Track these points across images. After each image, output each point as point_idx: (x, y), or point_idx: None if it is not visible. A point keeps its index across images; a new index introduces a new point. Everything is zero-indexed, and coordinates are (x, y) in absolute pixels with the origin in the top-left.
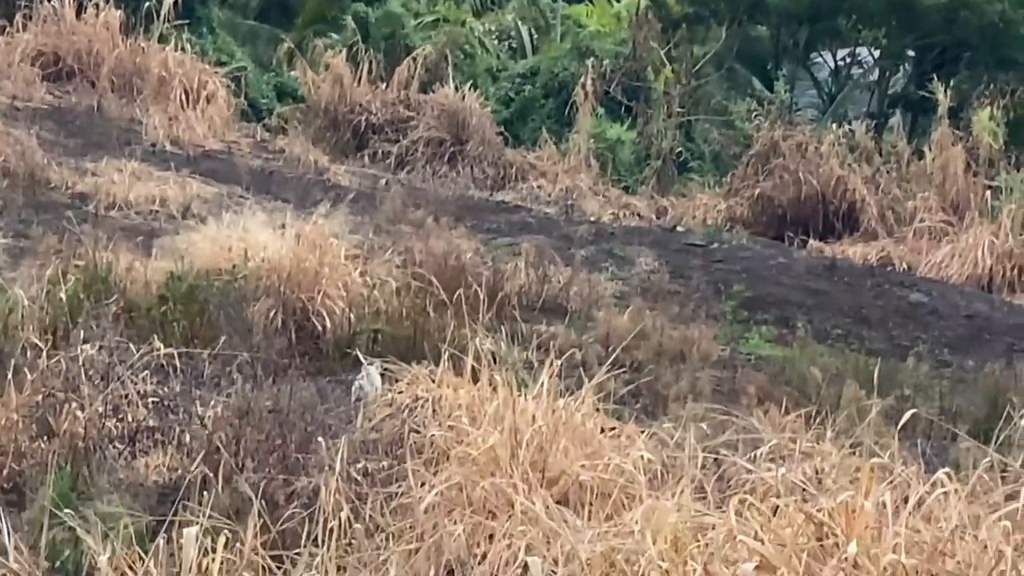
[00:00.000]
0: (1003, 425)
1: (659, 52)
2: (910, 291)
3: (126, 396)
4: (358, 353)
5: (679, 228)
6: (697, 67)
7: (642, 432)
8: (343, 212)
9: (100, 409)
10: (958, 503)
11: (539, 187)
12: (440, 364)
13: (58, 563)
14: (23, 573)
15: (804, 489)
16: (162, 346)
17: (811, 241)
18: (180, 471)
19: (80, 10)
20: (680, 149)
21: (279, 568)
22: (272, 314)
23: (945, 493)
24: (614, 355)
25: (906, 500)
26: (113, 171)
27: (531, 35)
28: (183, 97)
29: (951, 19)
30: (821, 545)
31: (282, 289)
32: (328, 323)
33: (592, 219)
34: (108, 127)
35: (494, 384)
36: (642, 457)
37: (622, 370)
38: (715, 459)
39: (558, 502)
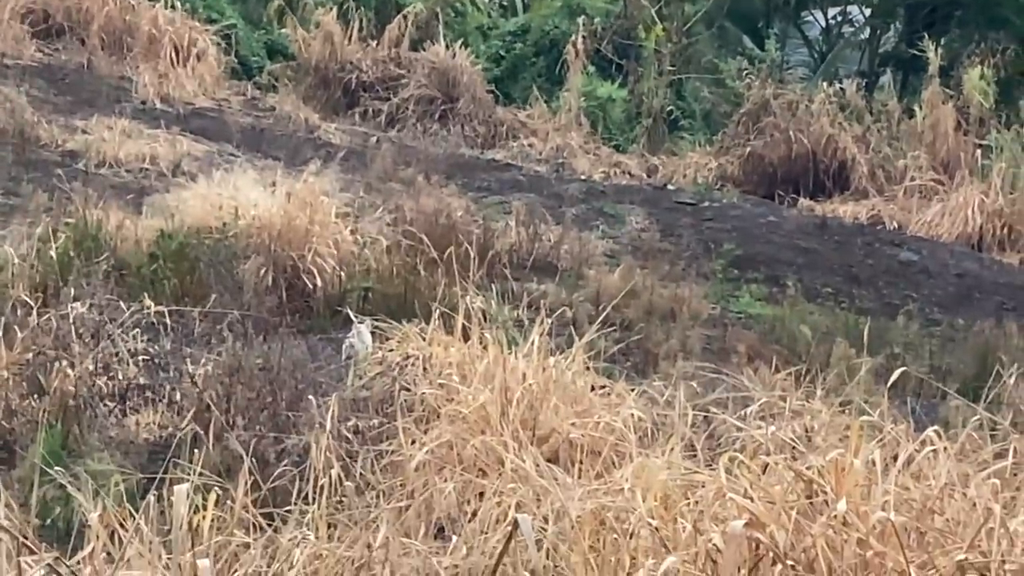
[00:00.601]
0: (992, 383)
1: (650, 10)
2: (900, 250)
3: (116, 354)
4: (349, 311)
5: (670, 186)
6: (688, 25)
7: (632, 390)
8: (334, 170)
9: (91, 367)
10: (947, 461)
11: (530, 145)
12: (431, 322)
13: (49, 520)
14: (14, 531)
15: (794, 447)
16: (152, 304)
17: (801, 200)
18: (171, 429)
19: None
20: (671, 108)
21: (270, 525)
22: (263, 272)
23: (934, 451)
24: (604, 313)
25: (895, 458)
26: (103, 129)
27: None
28: (173, 55)
29: None
30: (810, 503)
31: (273, 247)
32: (319, 281)
33: (583, 177)
34: (98, 85)
35: (485, 343)
36: (632, 415)
37: (612, 328)
38: (705, 417)
39: (548, 460)
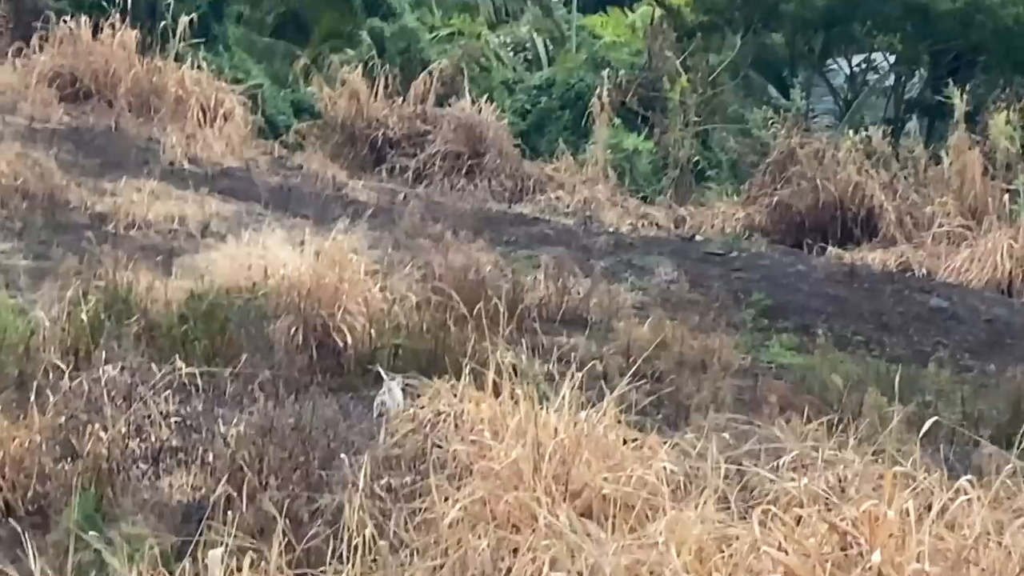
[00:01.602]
0: None
1: (674, 62)
2: (930, 296)
3: (149, 416)
4: (379, 369)
5: (698, 237)
6: (713, 76)
7: (664, 443)
8: (362, 227)
9: (123, 429)
10: (981, 510)
11: (557, 198)
12: (462, 378)
13: None
14: None
15: (827, 498)
16: (184, 365)
17: (830, 248)
18: (204, 490)
19: (96, 30)
20: (697, 158)
21: None
22: (293, 331)
23: (968, 500)
24: (635, 366)
25: (929, 507)
26: (132, 190)
27: (546, 46)
28: (200, 115)
29: (966, 23)
30: (845, 554)
31: (302, 306)
32: (349, 339)
33: (611, 230)
34: (126, 146)
35: (516, 398)
36: (665, 468)
37: (643, 381)
38: (738, 469)
39: (581, 515)
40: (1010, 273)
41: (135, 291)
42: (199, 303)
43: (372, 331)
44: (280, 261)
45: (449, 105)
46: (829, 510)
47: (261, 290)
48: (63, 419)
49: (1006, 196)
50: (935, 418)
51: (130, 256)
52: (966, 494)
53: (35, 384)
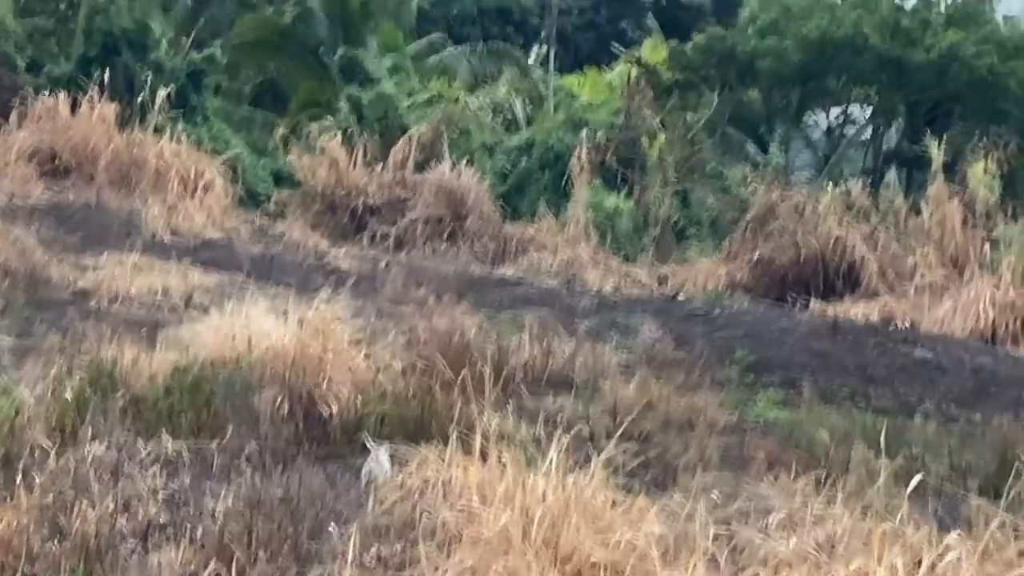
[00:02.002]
0: (1013, 482)
1: (652, 120)
2: (914, 347)
3: (136, 492)
4: (366, 437)
5: (681, 295)
6: (691, 134)
7: (653, 505)
8: (345, 295)
9: (111, 507)
10: (970, 564)
11: (540, 259)
12: (449, 444)
13: None
14: None
15: (817, 557)
16: (170, 439)
17: (813, 302)
18: (193, 566)
19: (75, 106)
20: (678, 216)
21: None
22: (278, 402)
23: (957, 557)
24: (622, 426)
25: (919, 563)
26: (114, 265)
27: (525, 108)
28: (181, 187)
29: (941, 74)
30: None
31: (287, 376)
32: (335, 408)
33: (594, 289)
34: (107, 221)
35: (503, 462)
36: (654, 532)
37: (630, 441)
38: (727, 530)
39: None
40: (993, 322)
41: (120, 365)
42: (184, 376)
43: (358, 399)
44: (264, 331)
45: (429, 170)
46: (819, 569)
47: (245, 361)
48: (50, 498)
49: (987, 245)
50: (921, 476)
51: (114, 330)
52: (955, 550)
53: (21, 464)
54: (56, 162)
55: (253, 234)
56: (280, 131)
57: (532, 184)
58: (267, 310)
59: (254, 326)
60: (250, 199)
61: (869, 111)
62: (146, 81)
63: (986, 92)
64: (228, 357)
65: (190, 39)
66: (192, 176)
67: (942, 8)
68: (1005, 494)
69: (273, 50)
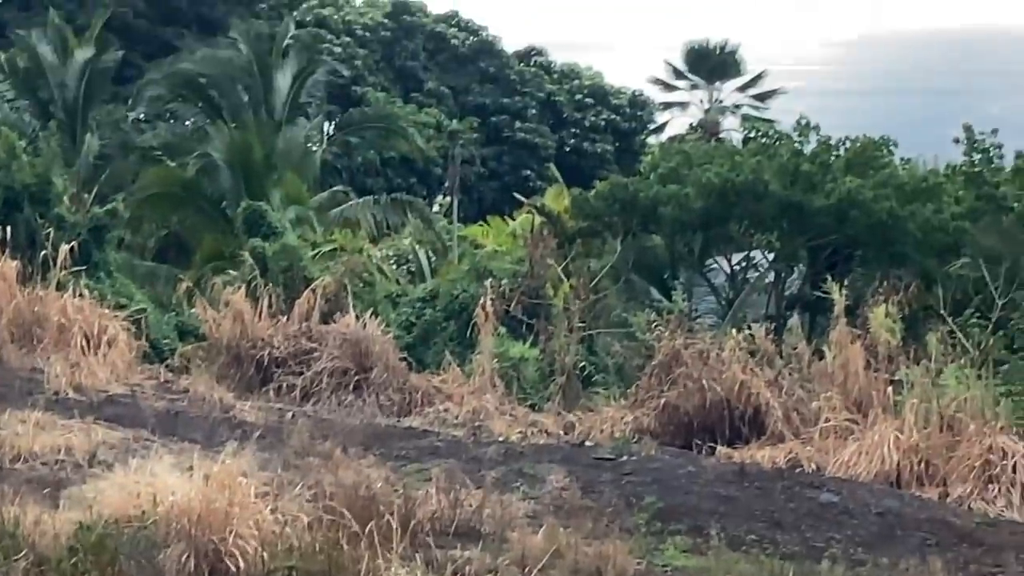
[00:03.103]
0: None
1: (556, 268)
2: (820, 492)
3: None
4: None
5: (587, 443)
6: (595, 281)
7: None
8: (251, 449)
9: None
10: None
11: (446, 410)
12: None
13: None
14: None
15: None
16: None
17: (719, 447)
18: None
19: None
20: (583, 363)
21: None
22: (184, 559)
23: None
24: None
25: None
26: (16, 423)
27: (429, 258)
28: (84, 343)
29: (841, 219)
30: None
31: (193, 532)
32: (241, 563)
33: (500, 439)
34: (9, 378)
35: None
36: None
37: None
38: None
39: None
40: (898, 465)
41: (22, 525)
42: (88, 535)
43: (264, 554)
44: (169, 488)
45: (334, 321)
46: None
47: (151, 518)
48: None
49: (890, 388)
50: None
51: (16, 490)
52: None
53: None
54: None
55: (158, 389)
56: (184, 285)
57: (437, 334)
58: (172, 466)
59: (159, 483)
60: (155, 354)
61: (771, 256)
62: (48, 236)
63: (886, 235)
64: (133, 515)
65: (92, 193)
66: (96, 332)
67: (841, 152)
68: None
69: (176, 203)
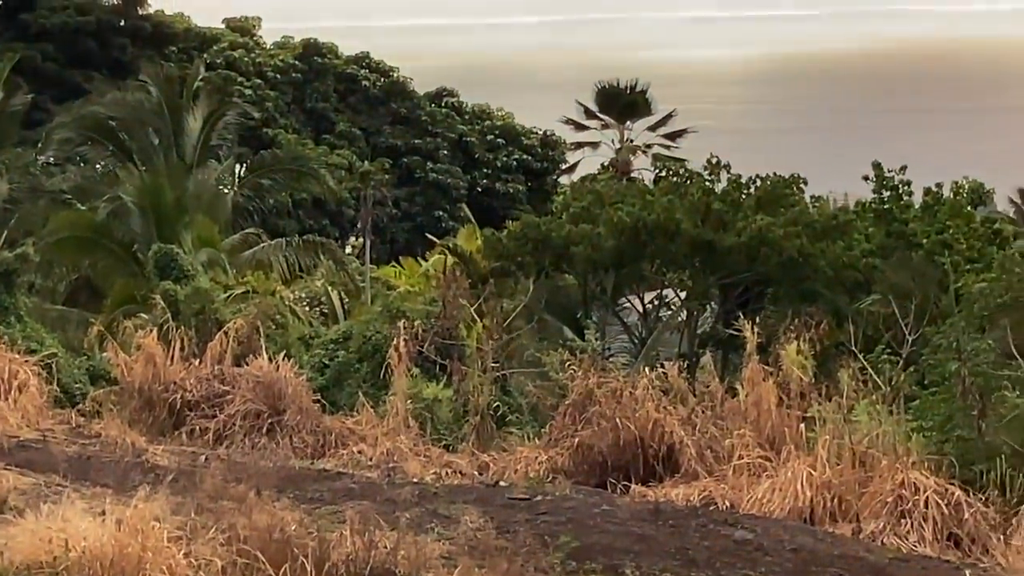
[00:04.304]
0: None
1: (469, 308)
2: (734, 529)
3: None
4: None
5: (502, 483)
6: (508, 321)
7: None
8: (164, 493)
9: None
10: None
11: (360, 452)
12: None
13: None
14: None
15: None
16: None
17: (634, 486)
18: None
19: None
20: (497, 403)
21: None
22: None
23: None
24: None
25: None
26: None
27: (342, 299)
28: None
29: (752, 257)
30: None
31: None
32: None
33: (415, 480)
34: None
35: None
36: None
37: None
38: None
39: None
40: (811, 501)
41: None
42: None
43: None
44: (81, 533)
45: (247, 364)
46: None
47: (63, 564)
48: None
49: (802, 425)
50: None
51: None
52: None
53: None
54: None
55: (69, 434)
56: (95, 328)
57: (350, 376)
58: (84, 511)
59: (71, 528)
60: (66, 398)
61: (683, 294)
62: None
63: (797, 273)
64: (45, 560)
65: (2, 238)
66: (5, 377)
67: (752, 190)
68: None
69: (87, 247)
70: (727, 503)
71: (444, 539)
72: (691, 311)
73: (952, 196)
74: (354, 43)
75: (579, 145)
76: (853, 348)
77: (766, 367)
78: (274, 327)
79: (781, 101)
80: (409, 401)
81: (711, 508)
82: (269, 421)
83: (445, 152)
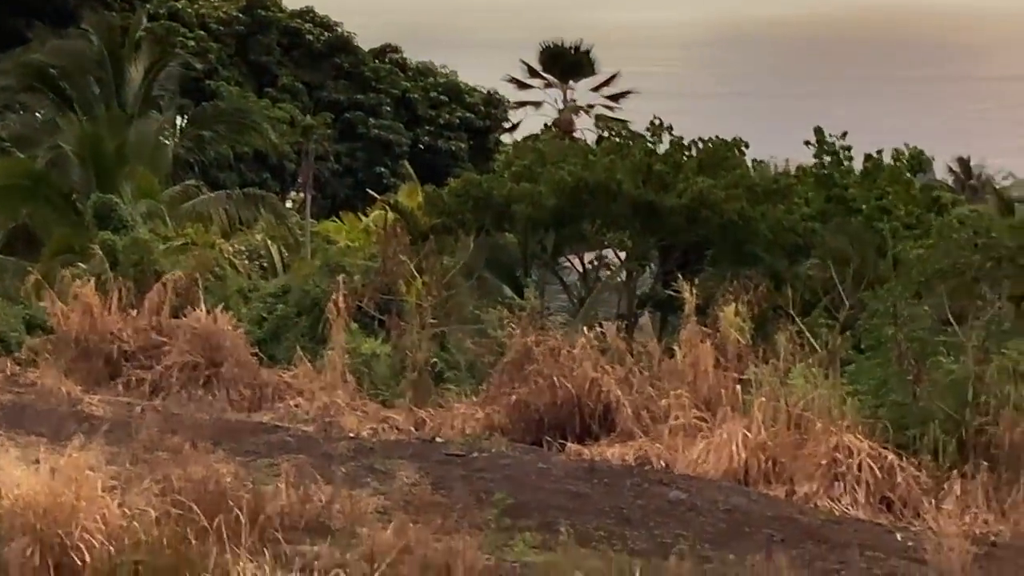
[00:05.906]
0: None
1: (409, 265)
2: (669, 489)
3: None
4: None
5: (438, 439)
6: (447, 277)
7: None
8: (99, 443)
9: None
10: None
11: (296, 405)
12: None
13: None
14: None
15: None
16: None
17: (569, 444)
18: None
19: None
20: (435, 360)
21: None
22: (28, 552)
23: None
24: (379, 572)
25: None
26: None
27: (281, 253)
28: None
29: (692, 219)
30: None
31: (38, 526)
32: (88, 557)
33: (351, 435)
34: None
35: None
36: None
37: None
38: None
39: None
40: (746, 463)
41: None
42: None
43: (111, 548)
44: (14, 481)
45: (185, 316)
46: None
47: None
48: None
49: (738, 387)
50: None
51: None
52: None
53: None
54: None
55: (4, 382)
56: (33, 277)
57: (289, 330)
58: (18, 459)
59: (4, 476)
60: (2, 347)
61: (623, 255)
62: None
63: (737, 235)
64: None
65: None
66: None
67: (694, 152)
68: None
69: (26, 195)
70: (662, 463)
71: (379, 494)
72: (631, 272)
73: (892, 163)
74: None
75: (522, 104)
76: (791, 312)
77: (704, 329)
78: (213, 279)
79: (725, 64)
80: (347, 356)
81: (646, 468)
82: (206, 373)
83: (388, 108)
